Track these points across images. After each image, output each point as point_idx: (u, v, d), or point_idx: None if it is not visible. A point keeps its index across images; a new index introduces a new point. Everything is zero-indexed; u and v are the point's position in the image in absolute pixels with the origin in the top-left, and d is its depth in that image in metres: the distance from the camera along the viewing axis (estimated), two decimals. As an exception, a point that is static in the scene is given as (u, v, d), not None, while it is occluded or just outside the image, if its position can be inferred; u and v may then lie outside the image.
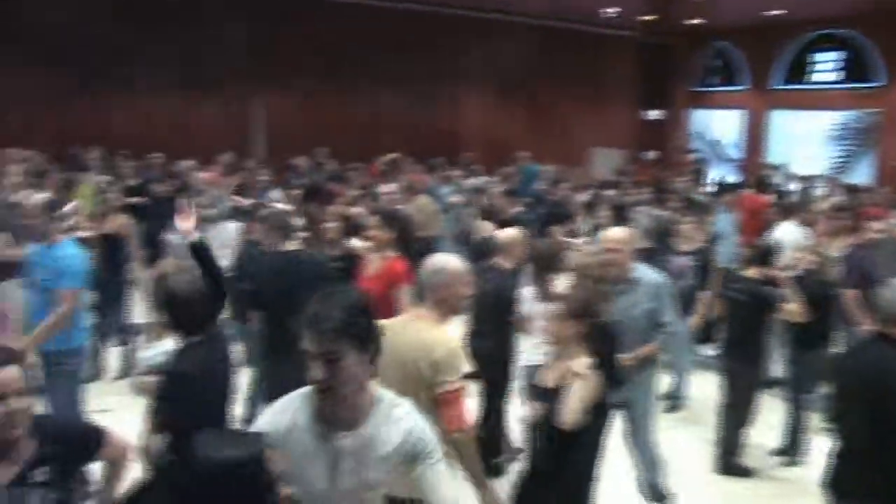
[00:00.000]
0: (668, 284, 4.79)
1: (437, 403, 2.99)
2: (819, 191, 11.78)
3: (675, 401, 6.66)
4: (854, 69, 15.25)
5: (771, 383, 6.35)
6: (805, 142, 15.96)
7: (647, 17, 16.41)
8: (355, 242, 5.79)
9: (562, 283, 4.64)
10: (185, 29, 13.09)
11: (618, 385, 3.69)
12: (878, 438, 3.36)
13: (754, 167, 15.55)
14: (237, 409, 4.24)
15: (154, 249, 7.25)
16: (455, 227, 9.68)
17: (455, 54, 15.84)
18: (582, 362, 3.28)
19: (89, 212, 7.15)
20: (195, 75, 13.38)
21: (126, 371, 6.69)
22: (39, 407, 4.04)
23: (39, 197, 4.95)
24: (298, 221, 5.88)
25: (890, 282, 3.51)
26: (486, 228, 7.27)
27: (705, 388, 6.44)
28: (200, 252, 3.86)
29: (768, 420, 5.79)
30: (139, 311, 7.07)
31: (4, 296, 5.62)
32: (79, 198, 7.82)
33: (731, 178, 15.75)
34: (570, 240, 6.78)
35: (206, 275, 3.68)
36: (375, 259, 5.11)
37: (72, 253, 4.71)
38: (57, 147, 11.23)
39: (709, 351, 6.85)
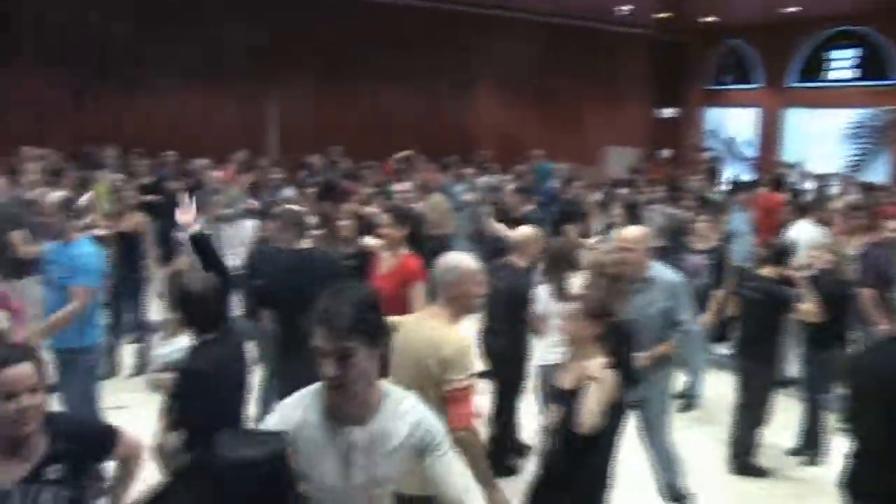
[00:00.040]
0: (684, 283, 4.76)
1: (444, 401, 2.99)
2: (834, 189, 11.70)
3: (689, 400, 6.63)
4: (870, 66, 15.15)
5: (786, 383, 6.32)
6: (820, 140, 15.85)
7: (660, 15, 16.35)
8: (369, 240, 5.80)
9: (576, 281, 4.63)
10: (199, 29, 13.14)
11: (633, 384, 3.67)
12: (894, 438, 3.33)
13: (769, 165, 15.46)
14: (251, 407, 4.26)
15: (168, 247, 7.29)
16: (469, 225, 9.67)
17: (469, 52, 15.84)
18: (598, 363, 3.27)
19: (105, 210, 7.20)
20: (209, 74, 13.44)
21: (141, 368, 6.72)
22: (53, 404, 4.08)
23: (56, 195, 4.98)
24: (312, 219, 5.90)
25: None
26: (499, 227, 7.26)
27: (719, 388, 6.41)
28: (201, 244, 3.88)
29: (783, 420, 5.76)
30: (154, 308, 7.12)
31: (22, 293, 5.66)
32: (95, 195, 7.88)
33: (746, 177, 15.65)
34: (583, 238, 6.78)
35: (208, 267, 3.70)
36: (388, 257, 5.12)
37: (88, 251, 4.75)
38: (72, 146, 11.32)
39: (723, 350, 6.82)
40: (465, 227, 9.65)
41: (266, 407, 5.36)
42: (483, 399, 4.89)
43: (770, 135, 17.15)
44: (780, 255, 5.47)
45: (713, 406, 6.48)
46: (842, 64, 15.74)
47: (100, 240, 5.56)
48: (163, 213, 8.14)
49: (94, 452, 2.57)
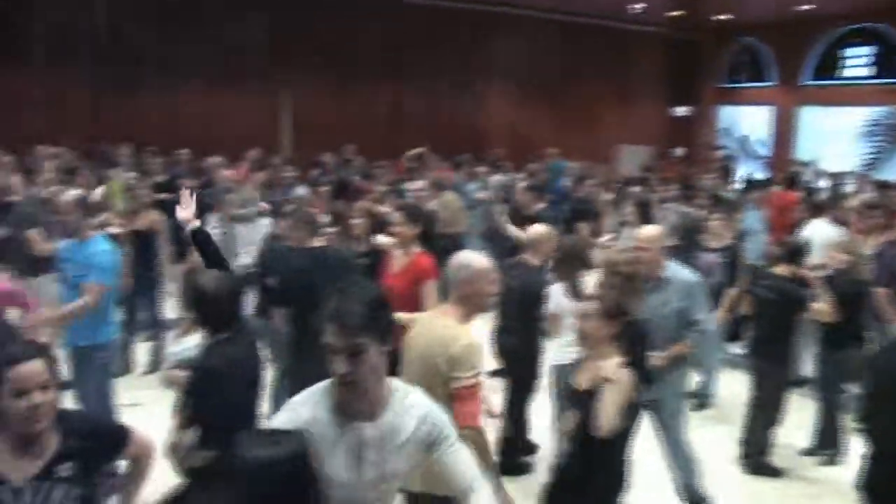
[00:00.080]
0: (700, 283, 4.73)
1: (451, 398, 2.98)
2: (849, 188, 11.62)
3: (703, 399, 6.61)
4: (885, 64, 15.01)
5: (800, 382, 6.29)
6: (835, 138, 15.74)
7: (674, 13, 16.29)
8: (381, 239, 5.81)
9: (590, 280, 4.62)
10: (214, 28, 13.19)
11: (648, 384, 3.65)
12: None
13: (782, 164, 15.37)
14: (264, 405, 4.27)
15: (182, 245, 7.31)
16: (482, 223, 9.67)
17: (481, 50, 15.83)
18: (614, 363, 3.26)
19: (120, 208, 7.24)
20: (223, 73, 13.49)
21: (155, 365, 6.76)
22: (67, 401, 4.11)
23: (72, 193, 5.02)
24: (325, 218, 5.91)
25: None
26: (511, 229, 7.26)
27: (733, 387, 6.39)
28: (201, 240, 3.89)
29: (797, 420, 5.73)
30: (169, 305, 7.16)
31: (38, 291, 5.71)
32: (109, 194, 7.93)
33: (759, 175, 15.58)
34: (596, 237, 6.76)
35: (209, 264, 3.71)
36: (400, 255, 5.13)
37: (103, 248, 4.78)
38: (86, 144, 11.39)
39: (737, 349, 6.79)
40: (477, 226, 9.65)
41: (278, 405, 5.38)
42: (497, 397, 4.90)
43: (784, 133, 17.05)
44: (794, 253, 5.44)
45: (727, 405, 6.45)
46: (857, 62, 15.61)
47: (114, 238, 5.60)
48: (177, 210, 8.16)
49: (105, 451, 2.59)
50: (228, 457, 2.02)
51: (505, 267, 5.12)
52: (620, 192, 10.01)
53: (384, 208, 7.13)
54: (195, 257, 5.67)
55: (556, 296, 4.90)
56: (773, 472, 5.43)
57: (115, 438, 2.64)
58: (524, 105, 16.60)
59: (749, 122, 18.14)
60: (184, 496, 2.83)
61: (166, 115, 13.01)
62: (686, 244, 6.76)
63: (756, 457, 5.42)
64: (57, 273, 5.07)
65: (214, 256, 3.83)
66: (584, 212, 8.83)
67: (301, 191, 8.93)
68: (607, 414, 3.10)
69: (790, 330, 5.31)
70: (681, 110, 19.00)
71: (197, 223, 3.96)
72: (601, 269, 4.44)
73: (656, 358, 4.25)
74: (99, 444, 2.54)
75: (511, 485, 5.00)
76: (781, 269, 5.38)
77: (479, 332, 3.50)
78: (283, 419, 2.27)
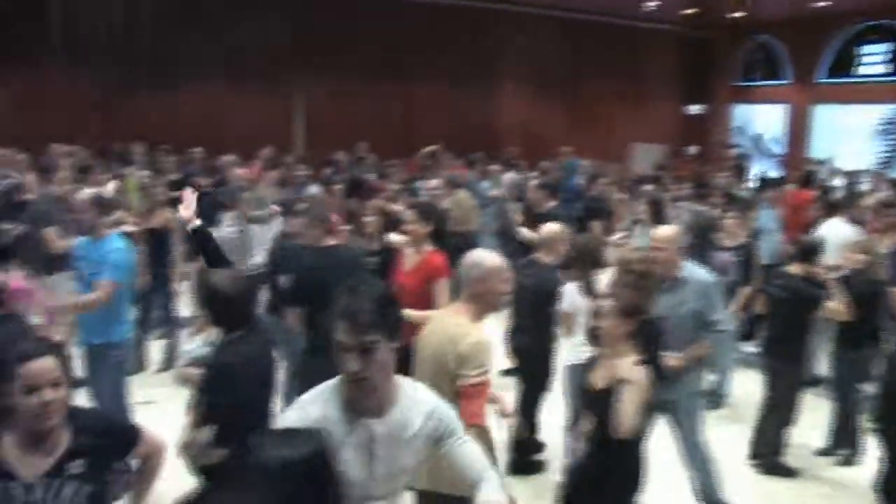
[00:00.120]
0: (716, 283, 4.69)
1: (457, 396, 2.98)
2: (864, 186, 11.53)
3: (717, 398, 6.58)
4: (902, 61, 14.89)
5: (814, 382, 6.25)
6: (850, 136, 15.62)
7: (688, 11, 16.20)
8: (393, 237, 5.81)
9: (604, 279, 4.60)
10: (225, 26, 13.23)
11: (662, 383, 3.64)
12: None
13: (797, 162, 15.28)
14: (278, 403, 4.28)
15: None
16: (495, 222, 9.66)
17: (494, 49, 15.82)
18: (630, 361, 3.24)
19: (135, 207, 7.28)
20: (236, 72, 13.54)
21: (169, 363, 6.80)
22: (81, 399, 4.13)
23: (88, 192, 5.05)
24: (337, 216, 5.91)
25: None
26: (524, 231, 7.25)
27: (747, 386, 6.35)
28: (201, 238, 3.90)
29: (811, 419, 5.70)
30: (183, 303, 7.19)
31: (53, 288, 5.74)
32: (124, 192, 7.97)
33: (774, 174, 15.49)
34: (608, 235, 6.75)
35: (209, 262, 3.72)
36: (412, 253, 5.12)
37: (117, 247, 4.79)
38: (101, 143, 11.46)
39: (751, 348, 6.75)
40: (490, 224, 9.64)
41: (289, 404, 5.39)
42: (510, 396, 4.89)
43: (798, 131, 16.93)
44: (809, 252, 5.40)
45: (741, 404, 6.42)
46: (873, 59, 15.45)
47: (129, 236, 5.62)
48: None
49: (116, 449, 2.59)
50: (245, 456, 2.02)
51: (518, 265, 5.11)
52: (633, 190, 9.98)
53: (397, 207, 7.13)
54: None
55: (570, 295, 4.89)
56: (788, 473, 5.40)
57: (126, 437, 2.66)
58: (537, 103, 16.58)
59: (763, 120, 18.03)
60: (203, 497, 2.82)
61: (179, 114, 13.07)
62: (700, 243, 6.73)
63: (770, 457, 5.39)
64: (72, 271, 5.10)
65: (214, 255, 3.85)
66: (597, 210, 8.81)
67: (314, 189, 8.94)
68: (627, 414, 3.09)
69: (804, 329, 5.28)
70: (694, 108, 18.92)
71: (197, 222, 3.97)
72: (615, 268, 4.43)
73: (675, 359, 4.22)
74: (110, 441, 2.55)
75: (523, 483, 5.03)
76: (795, 268, 5.35)
77: (494, 331, 3.49)
78: (292, 418, 2.28)
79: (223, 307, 3.33)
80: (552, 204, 7.81)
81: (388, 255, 5.62)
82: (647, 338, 3.43)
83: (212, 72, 13.31)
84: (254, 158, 10.77)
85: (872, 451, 5.19)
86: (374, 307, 2.16)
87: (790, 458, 5.46)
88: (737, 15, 15.98)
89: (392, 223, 6.20)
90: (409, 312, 3.86)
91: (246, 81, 13.67)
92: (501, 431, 3.79)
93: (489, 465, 2.41)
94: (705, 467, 4.67)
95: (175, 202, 7.78)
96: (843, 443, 5.59)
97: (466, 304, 3.23)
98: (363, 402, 2.25)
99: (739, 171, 13.85)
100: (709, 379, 6.43)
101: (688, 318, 4.41)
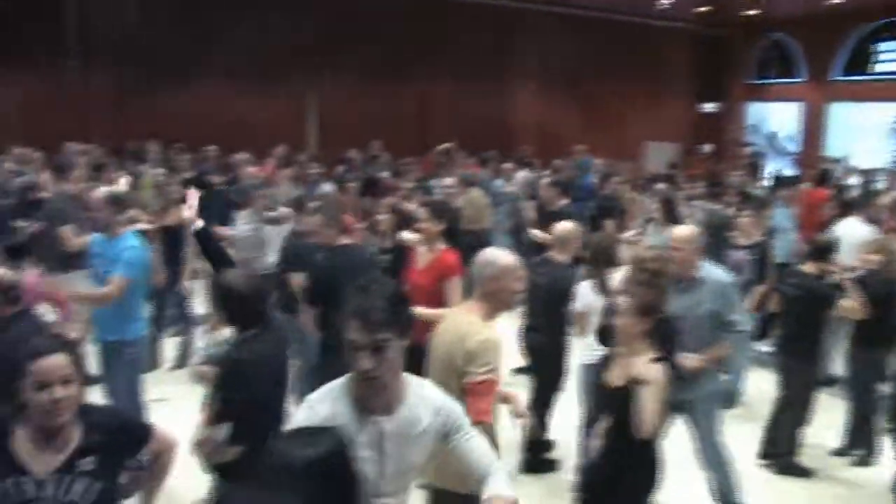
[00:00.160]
0: (734, 284, 4.66)
1: (464, 393, 2.97)
2: (880, 185, 11.45)
3: (731, 397, 6.53)
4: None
5: (829, 381, 6.21)
6: (866, 134, 15.51)
7: (702, 9, 16.13)
8: (406, 235, 5.82)
9: (618, 277, 4.58)
10: (240, 26, 13.26)
11: (679, 383, 3.62)
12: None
13: (812, 161, 15.17)
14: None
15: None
16: (509, 220, 9.65)
17: (508, 47, 15.81)
18: (646, 360, 3.23)
19: (149, 205, 7.32)
20: (249, 71, 13.57)
21: (183, 361, 6.82)
22: (96, 396, 4.15)
23: (103, 190, 5.07)
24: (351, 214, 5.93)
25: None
26: (536, 233, 7.23)
27: (761, 385, 6.32)
28: (204, 239, 3.91)
29: (826, 419, 5.66)
30: (197, 301, 7.22)
31: (68, 285, 5.77)
32: (138, 190, 8.02)
33: (788, 172, 15.40)
34: (620, 234, 6.73)
35: (212, 261, 3.74)
36: (425, 251, 5.12)
37: (132, 244, 4.80)
38: (116, 141, 11.53)
39: (765, 347, 6.72)
40: (504, 222, 9.62)
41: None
42: (522, 395, 4.89)
43: (813, 130, 16.82)
44: (823, 251, 5.37)
45: (755, 403, 6.39)
46: (889, 56, 15.35)
47: (144, 234, 5.65)
48: (205, 207, 8.23)
49: (127, 446, 2.60)
50: (259, 454, 2.02)
51: (531, 264, 5.10)
52: (645, 189, 9.95)
53: (411, 205, 7.13)
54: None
55: (585, 293, 4.88)
56: (803, 472, 5.37)
57: (137, 434, 2.66)
58: (551, 102, 16.55)
59: (778, 118, 17.94)
60: (228, 497, 2.83)
61: (193, 113, 13.09)
62: (714, 241, 6.70)
63: (785, 456, 5.36)
64: (87, 269, 5.12)
65: (216, 254, 3.86)
66: (610, 209, 8.79)
67: (327, 188, 8.96)
68: (648, 414, 3.08)
69: (818, 328, 5.25)
70: (709, 107, 18.84)
71: (200, 223, 3.99)
72: (629, 266, 4.41)
73: (694, 360, 4.19)
74: (121, 439, 2.56)
75: (536, 482, 5.03)
76: (809, 267, 5.32)
77: (507, 329, 3.48)
78: (301, 417, 2.30)
79: (237, 306, 3.35)
80: (564, 202, 7.79)
81: (401, 254, 5.62)
82: (663, 336, 3.42)
83: (225, 70, 13.35)
84: (267, 157, 10.80)
85: (888, 451, 5.18)
86: (386, 306, 2.18)
87: (805, 458, 5.43)
88: (751, 13, 15.90)
89: (405, 221, 6.20)
90: (423, 310, 3.86)
91: (259, 80, 13.70)
92: (515, 431, 3.79)
93: (496, 460, 2.42)
94: (723, 468, 4.62)
95: (188, 200, 7.86)
96: (858, 443, 5.55)
97: (479, 302, 3.22)
98: (373, 399, 2.26)
99: (754, 169, 13.79)
100: (723, 378, 6.40)
101: (705, 319, 4.37)
